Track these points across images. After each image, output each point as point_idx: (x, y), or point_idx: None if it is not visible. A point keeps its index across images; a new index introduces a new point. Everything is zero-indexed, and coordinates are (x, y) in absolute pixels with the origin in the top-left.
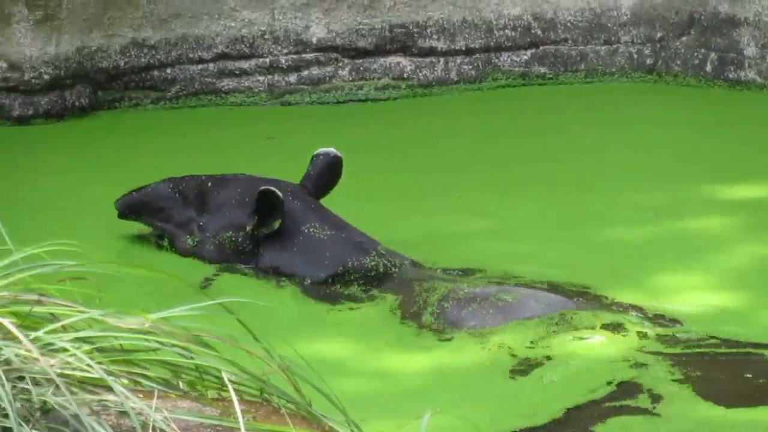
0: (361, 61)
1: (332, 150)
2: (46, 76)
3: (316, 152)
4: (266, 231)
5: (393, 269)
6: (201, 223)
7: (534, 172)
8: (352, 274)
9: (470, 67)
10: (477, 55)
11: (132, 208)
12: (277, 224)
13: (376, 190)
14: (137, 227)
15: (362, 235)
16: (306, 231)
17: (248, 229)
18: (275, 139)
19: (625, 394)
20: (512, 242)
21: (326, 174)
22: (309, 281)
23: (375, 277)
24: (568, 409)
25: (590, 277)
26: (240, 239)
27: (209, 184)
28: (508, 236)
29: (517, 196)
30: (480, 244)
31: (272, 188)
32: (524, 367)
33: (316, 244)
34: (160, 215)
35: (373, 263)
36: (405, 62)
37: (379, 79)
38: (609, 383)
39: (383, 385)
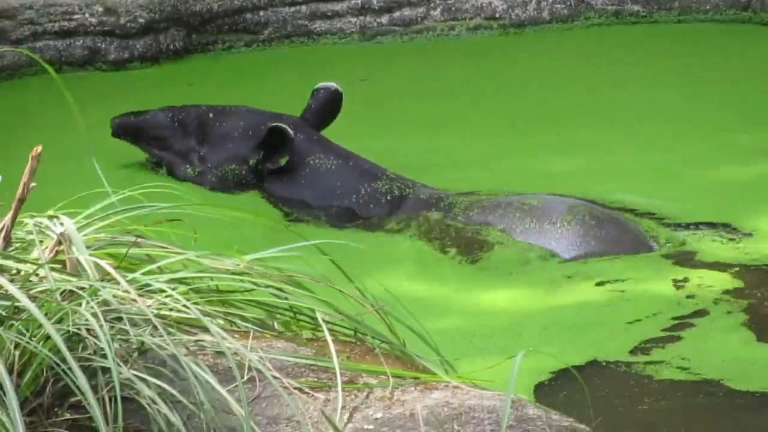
0: (453, 1)
1: (333, 84)
2: (141, 20)
3: (316, 86)
4: (272, 166)
5: (408, 190)
6: (202, 154)
7: (627, 110)
8: (367, 199)
9: (563, 5)
10: None
11: (128, 131)
12: (283, 161)
13: (473, 130)
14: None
15: (369, 162)
16: (312, 162)
17: (252, 162)
18: (368, 81)
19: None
20: (619, 181)
21: (327, 108)
22: (332, 210)
23: (392, 201)
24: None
25: (695, 212)
26: (243, 172)
27: (211, 115)
28: (611, 174)
29: (615, 135)
30: (586, 181)
31: (282, 125)
32: (609, 302)
33: (324, 174)
34: (158, 143)
35: (387, 186)
36: (497, 2)
37: (471, 19)
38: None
39: (473, 322)
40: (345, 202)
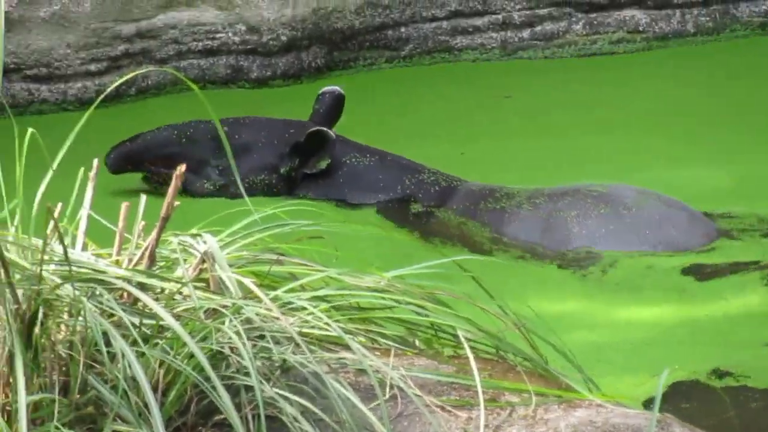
0: (595, 15)
1: (337, 88)
2: (283, 38)
3: (321, 90)
4: (311, 171)
5: (455, 182)
6: (221, 167)
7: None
8: (415, 189)
9: (707, 18)
10: (714, 6)
11: (130, 159)
12: (324, 164)
13: (620, 143)
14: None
15: (405, 158)
16: (350, 162)
17: (284, 170)
18: (512, 97)
19: None
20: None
21: (333, 111)
22: (383, 203)
23: (441, 191)
24: None
25: None
26: (274, 180)
27: (226, 128)
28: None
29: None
30: (748, 193)
31: (323, 128)
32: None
33: (366, 171)
34: (166, 162)
35: (432, 178)
36: (640, 15)
37: (613, 32)
38: None
39: (613, 337)
40: (391, 194)
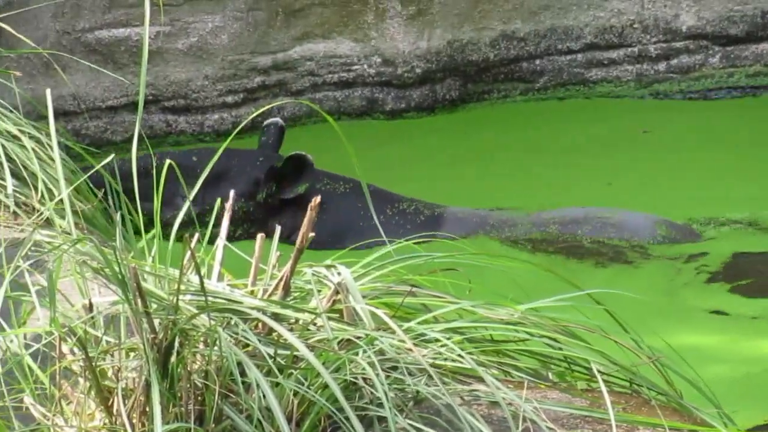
0: (731, 48)
1: (278, 119)
2: (418, 70)
3: (266, 123)
4: (289, 196)
5: (437, 210)
6: (196, 197)
7: None
8: (399, 219)
9: None
10: None
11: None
12: (303, 188)
13: (730, 180)
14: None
15: (374, 185)
16: (325, 189)
17: (260, 197)
18: (649, 132)
19: None
20: None
21: (278, 142)
22: (362, 231)
23: (426, 221)
24: None
25: None
26: (251, 208)
27: (194, 158)
28: None
29: None
30: None
31: (302, 153)
32: None
33: (343, 197)
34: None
35: (412, 207)
36: None
37: (750, 66)
38: None
39: (747, 370)
40: (373, 223)
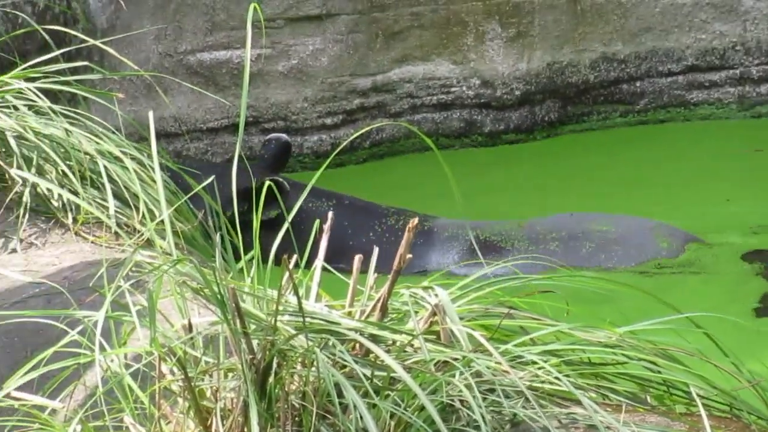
0: None
1: (283, 135)
2: (517, 92)
3: (267, 138)
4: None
5: (426, 223)
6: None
7: None
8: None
9: None
10: None
11: None
12: (275, 213)
13: None
14: None
15: (358, 198)
16: (307, 207)
17: (228, 215)
18: (762, 151)
19: None
20: None
21: (279, 158)
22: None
23: (417, 235)
24: None
25: None
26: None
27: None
28: None
29: None
30: None
31: (278, 179)
32: None
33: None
34: None
35: (400, 222)
36: None
37: None
38: None
39: None
40: (363, 240)
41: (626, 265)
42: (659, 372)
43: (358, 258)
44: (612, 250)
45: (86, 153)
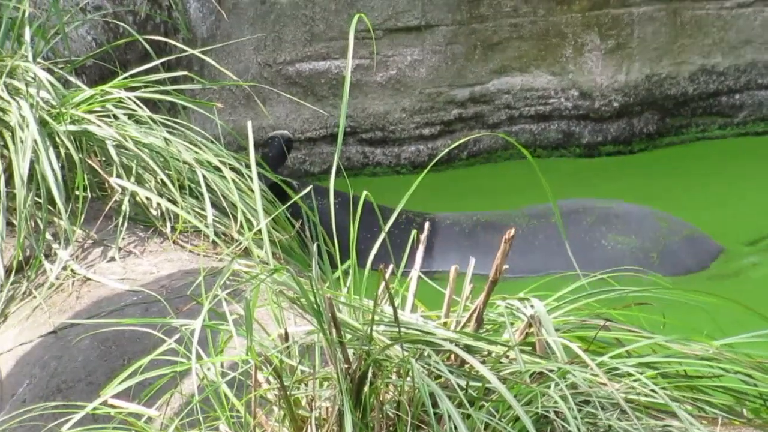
0: None
1: (285, 132)
2: (615, 104)
3: (271, 135)
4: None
5: (428, 216)
6: None
7: None
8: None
9: None
10: None
11: None
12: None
13: None
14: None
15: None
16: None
17: None
18: None
19: None
20: None
21: (282, 155)
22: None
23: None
24: None
25: None
26: None
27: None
28: None
29: None
30: None
31: (289, 179)
32: None
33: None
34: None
35: (403, 216)
36: None
37: None
38: None
39: None
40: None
41: (627, 235)
42: (756, 385)
43: (454, 269)
44: (612, 222)
45: (185, 162)
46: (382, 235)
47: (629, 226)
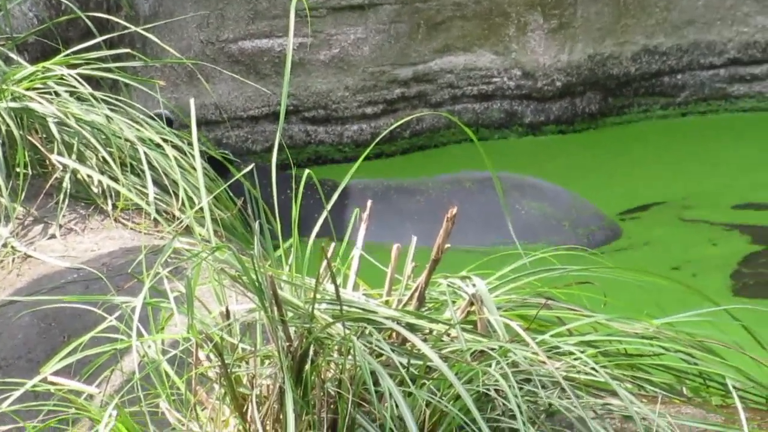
0: None
1: (165, 111)
2: (558, 84)
3: (156, 112)
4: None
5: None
6: None
7: None
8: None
9: None
10: None
11: None
12: None
13: None
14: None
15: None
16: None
17: None
18: None
19: None
20: None
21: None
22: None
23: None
24: None
25: None
26: None
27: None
28: None
29: None
30: None
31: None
32: None
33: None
34: None
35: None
36: None
37: None
38: None
39: None
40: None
41: (540, 202)
42: (696, 364)
43: (396, 247)
44: (526, 190)
45: (127, 140)
46: (299, 201)
47: (543, 195)
